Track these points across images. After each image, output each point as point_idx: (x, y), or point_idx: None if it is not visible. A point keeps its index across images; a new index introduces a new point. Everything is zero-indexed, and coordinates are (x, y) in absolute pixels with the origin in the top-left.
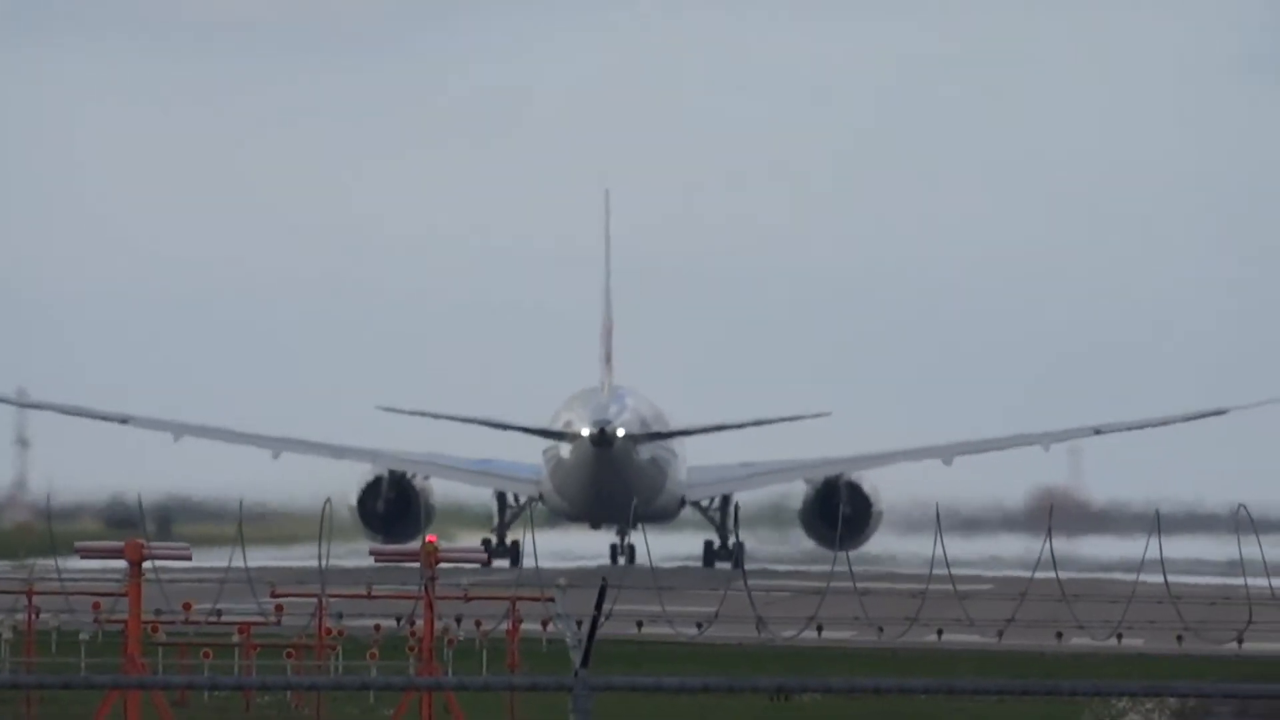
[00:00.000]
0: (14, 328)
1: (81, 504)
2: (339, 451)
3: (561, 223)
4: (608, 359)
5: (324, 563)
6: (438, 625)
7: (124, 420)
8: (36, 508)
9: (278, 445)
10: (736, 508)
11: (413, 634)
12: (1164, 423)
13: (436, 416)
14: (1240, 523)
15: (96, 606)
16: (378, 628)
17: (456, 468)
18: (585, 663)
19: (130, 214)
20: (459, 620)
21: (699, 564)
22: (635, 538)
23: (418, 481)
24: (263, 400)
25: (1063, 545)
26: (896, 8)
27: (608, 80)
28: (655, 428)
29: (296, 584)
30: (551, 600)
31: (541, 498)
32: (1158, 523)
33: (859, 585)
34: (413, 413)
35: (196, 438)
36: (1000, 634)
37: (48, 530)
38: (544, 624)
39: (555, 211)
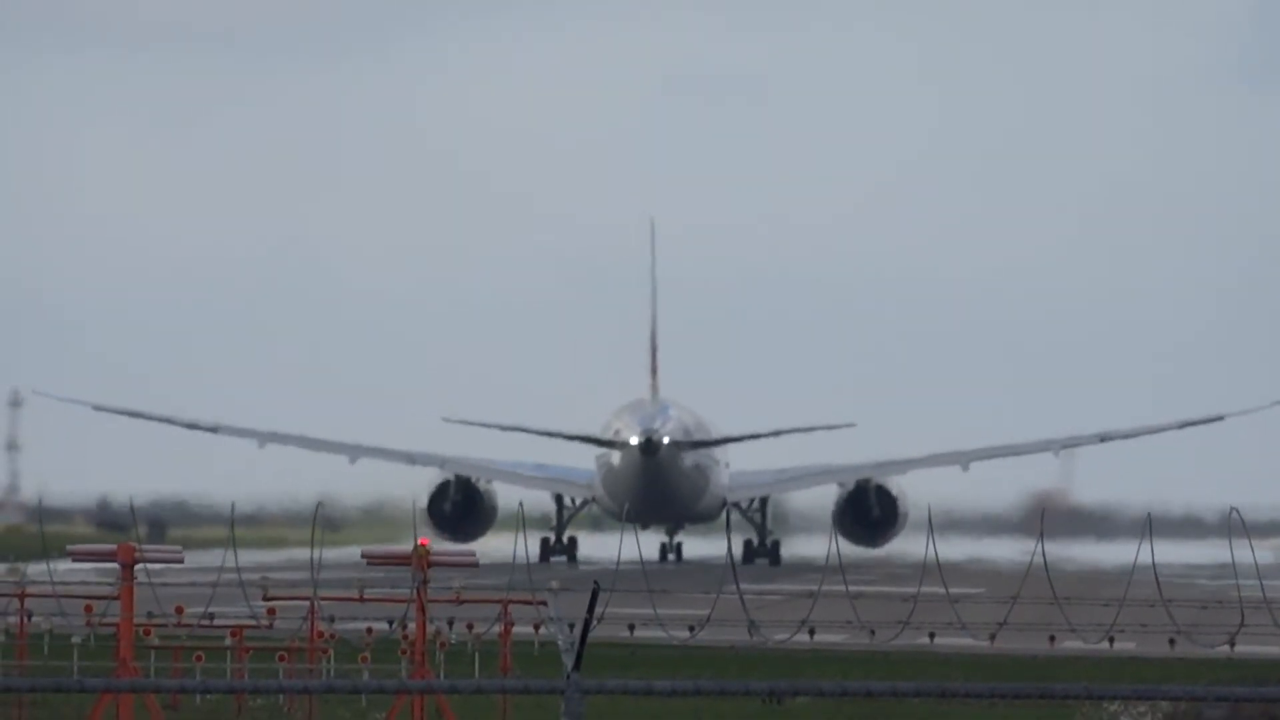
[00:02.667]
0: (92, 335)
1: (73, 507)
2: (410, 458)
3: (610, 247)
4: (654, 373)
5: (316, 566)
6: (430, 628)
7: (214, 429)
8: (27, 509)
9: (354, 452)
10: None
11: (405, 637)
12: (1163, 429)
13: (500, 427)
14: (1232, 526)
15: (89, 609)
16: (369, 631)
17: (518, 472)
18: (577, 666)
19: (196, 225)
20: (451, 623)
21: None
22: (681, 538)
23: (481, 485)
24: (337, 409)
25: (1055, 548)
26: (913, 20)
27: (650, 97)
28: (697, 436)
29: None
30: (544, 604)
31: (594, 500)
32: (1149, 526)
33: (851, 589)
34: (476, 423)
35: (280, 444)
36: (992, 637)
37: (39, 532)
38: (536, 627)
39: (604, 233)
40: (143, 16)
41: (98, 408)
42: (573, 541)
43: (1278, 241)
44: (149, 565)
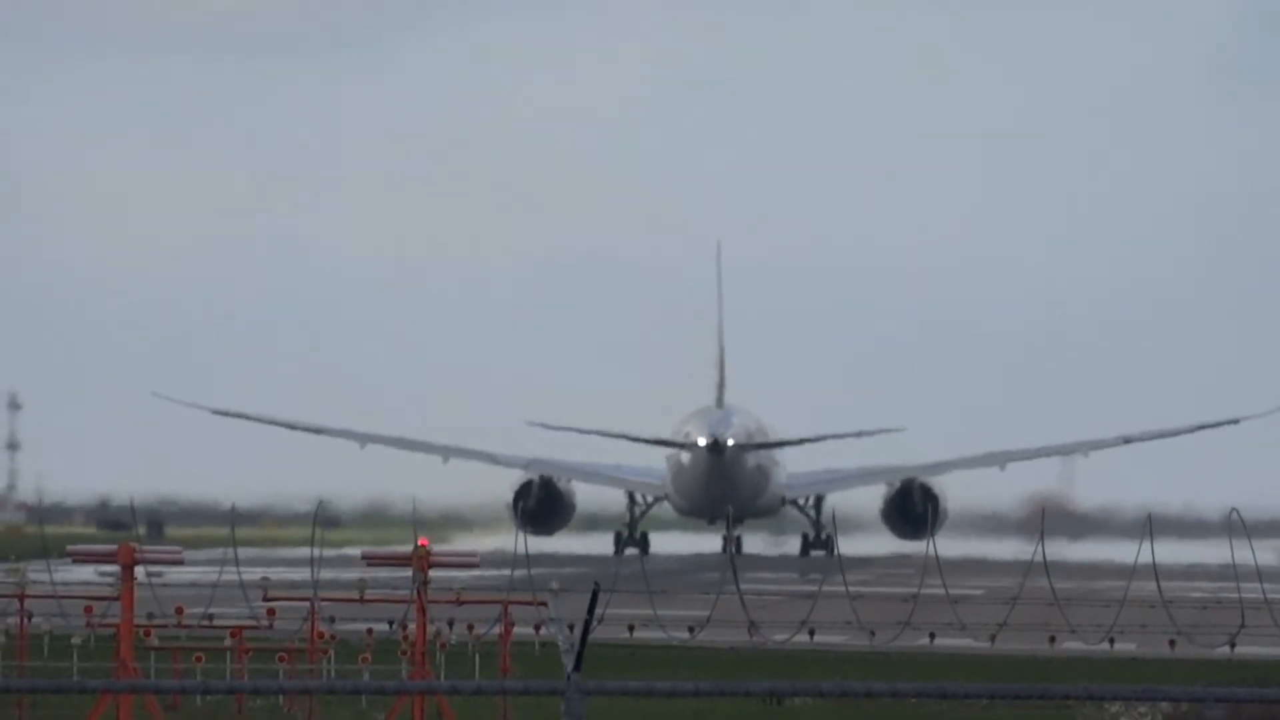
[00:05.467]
0: (188, 339)
1: (74, 506)
2: (497, 458)
3: (680, 261)
4: (720, 382)
5: (316, 566)
6: (430, 629)
7: (318, 431)
8: (28, 509)
9: (446, 452)
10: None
11: (405, 638)
12: (1181, 432)
13: (580, 431)
14: (1233, 527)
15: (89, 610)
16: (370, 631)
17: (595, 472)
18: (577, 666)
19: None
20: (451, 624)
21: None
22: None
23: (562, 484)
24: (430, 411)
25: (1056, 550)
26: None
27: (713, 116)
28: (759, 439)
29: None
30: (544, 605)
31: (665, 497)
32: (1149, 527)
33: (851, 589)
34: (559, 427)
35: (380, 445)
36: (993, 638)
37: (39, 533)
38: (536, 628)
39: (674, 248)
40: (138, 17)
41: (217, 411)
42: (644, 536)
43: None
44: (149, 567)
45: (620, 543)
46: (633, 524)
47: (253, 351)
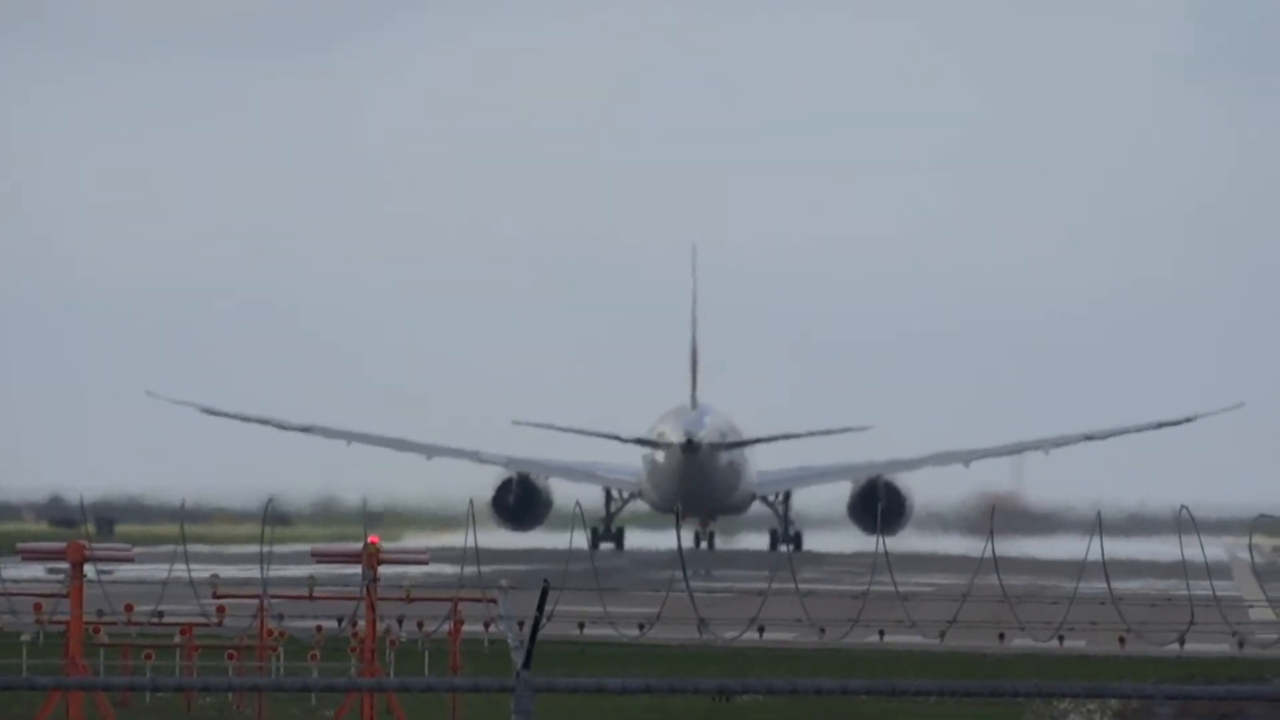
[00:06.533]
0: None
1: (23, 503)
2: (477, 456)
3: (654, 266)
4: (694, 382)
5: (265, 563)
6: (379, 626)
7: (307, 429)
8: None
9: (429, 450)
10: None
11: (355, 635)
12: (1141, 429)
13: (559, 429)
14: (1183, 524)
15: (38, 608)
16: (319, 629)
17: (573, 469)
18: (527, 664)
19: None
20: (401, 621)
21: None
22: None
23: (540, 481)
24: (412, 411)
25: (1009, 547)
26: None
27: (698, 122)
28: (731, 438)
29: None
30: (494, 601)
31: (640, 494)
32: (1099, 525)
33: (803, 586)
34: (540, 425)
35: (365, 444)
36: (942, 635)
37: None
38: (486, 625)
39: (648, 254)
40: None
41: (206, 410)
42: (620, 531)
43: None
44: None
45: (597, 538)
46: (609, 520)
47: (231, 350)
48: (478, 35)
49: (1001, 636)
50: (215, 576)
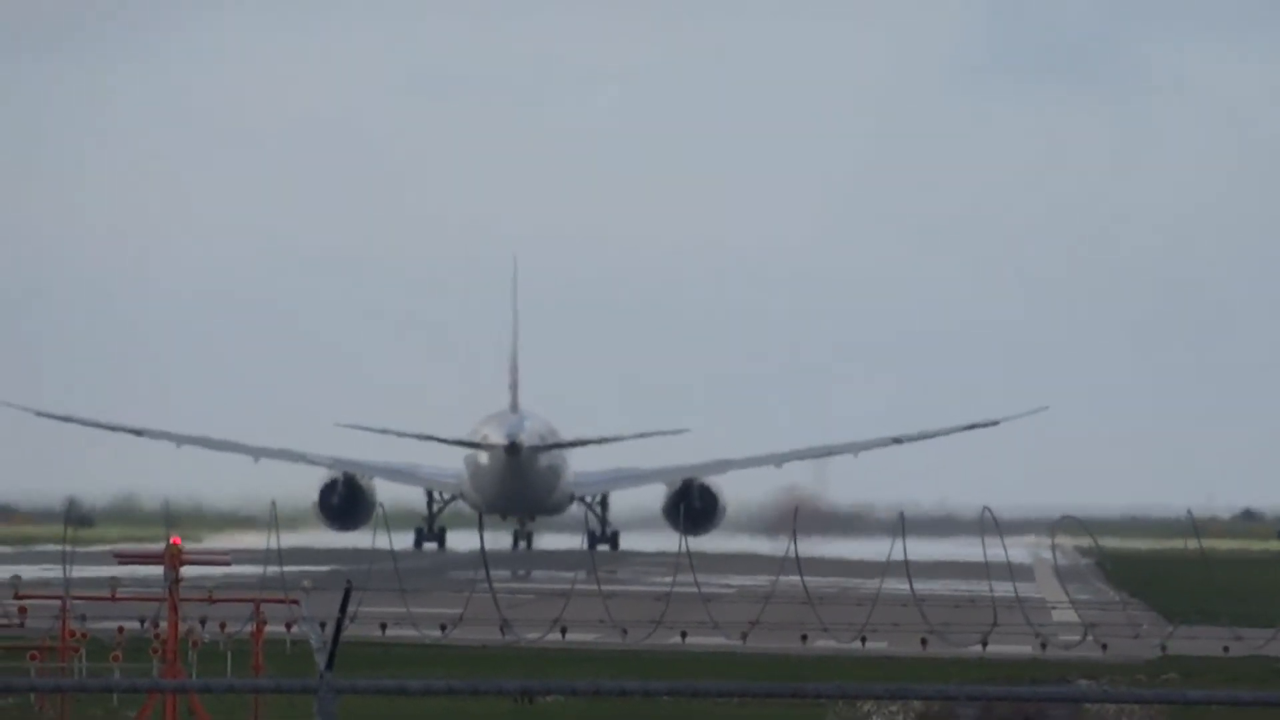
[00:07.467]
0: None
1: None
2: (304, 458)
3: (474, 272)
4: (514, 386)
5: (68, 564)
6: (182, 627)
7: (138, 432)
8: None
9: (257, 452)
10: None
11: (157, 635)
12: (950, 431)
13: (384, 432)
14: (985, 525)
15: None
16: (121, 629)
17: (396, 470)
18: (330, 665)
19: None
20: (203, 622)
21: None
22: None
23: (364, 481)
24: (239, 413)
25: (810, 548)
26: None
27: (508, 118)
28: (550, 440)
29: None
30: (296, 603)
31: (461, 495)
32: (902, 525)
33: (605, 588)
34: (365, 428)
35: (195, 446)
36: (745, 636)
37: None
38: (288, 626)
39: (468, 262)
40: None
41: (40, 414)
42: (442, 531)
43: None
44: None
45: (421, 538)
46: (431, 520)
47: (59, 351)
48: (246, 35)
49: (804, 638)
50: (17, 577)
